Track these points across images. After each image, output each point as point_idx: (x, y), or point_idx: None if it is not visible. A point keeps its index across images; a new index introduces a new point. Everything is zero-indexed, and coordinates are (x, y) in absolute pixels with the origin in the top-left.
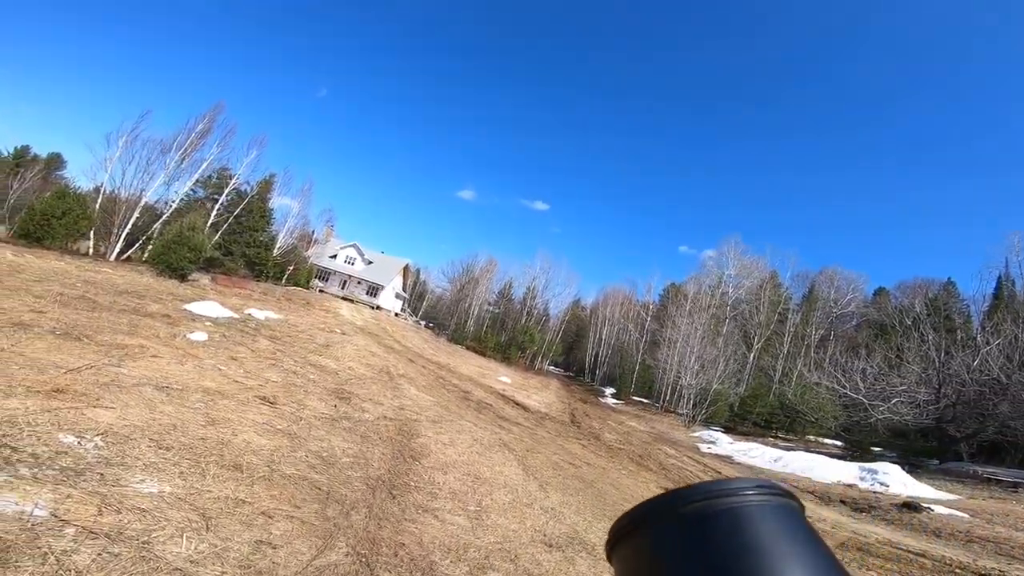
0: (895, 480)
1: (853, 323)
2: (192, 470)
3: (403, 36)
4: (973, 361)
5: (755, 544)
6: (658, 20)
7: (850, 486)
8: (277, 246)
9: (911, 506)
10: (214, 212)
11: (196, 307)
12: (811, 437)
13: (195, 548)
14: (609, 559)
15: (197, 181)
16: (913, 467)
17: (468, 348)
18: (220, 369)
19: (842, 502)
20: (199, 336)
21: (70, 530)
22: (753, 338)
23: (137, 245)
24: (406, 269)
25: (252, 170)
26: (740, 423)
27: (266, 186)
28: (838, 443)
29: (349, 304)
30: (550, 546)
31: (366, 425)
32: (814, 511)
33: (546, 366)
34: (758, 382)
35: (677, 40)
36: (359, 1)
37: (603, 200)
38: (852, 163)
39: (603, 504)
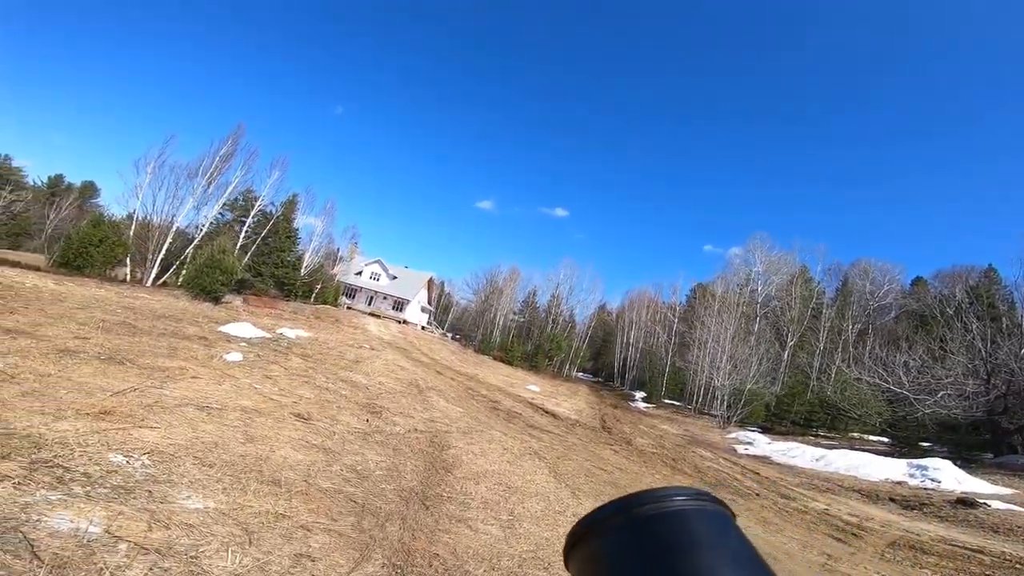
0: (947, 476)
1: (892, 315)
2: (234, 486)
3: (412, 51)
4: (1020, 349)
5: (692, 540)
6: (665, 21)
7: (899, 483)
8: (304, 265)
9: (966, 502)
10: (242, 234)
11: (230, 328)
12: (855, 434)
13: (239, 562)
14: (566, 565)
15: (224, 204)
16: (966, 462)
17: (495, 358)
18: (256, 388)
19: (891, 500)
20: (235, 356)
21: (123, 546)
22: (786, 335)
23: (172, 270)
24: (430, 282)
25: (276, 191)
26: (778, 423)
27: (290, 206)
28: (884, 440)
29: (376, 320)
30: None
31: (398, 438)
32: (861, 510)
33: (574, 373)
34: (795, 380)
35: (686, 38)
36: (369, 19)
37: (623, 203)
38: (876, 150)
39: None
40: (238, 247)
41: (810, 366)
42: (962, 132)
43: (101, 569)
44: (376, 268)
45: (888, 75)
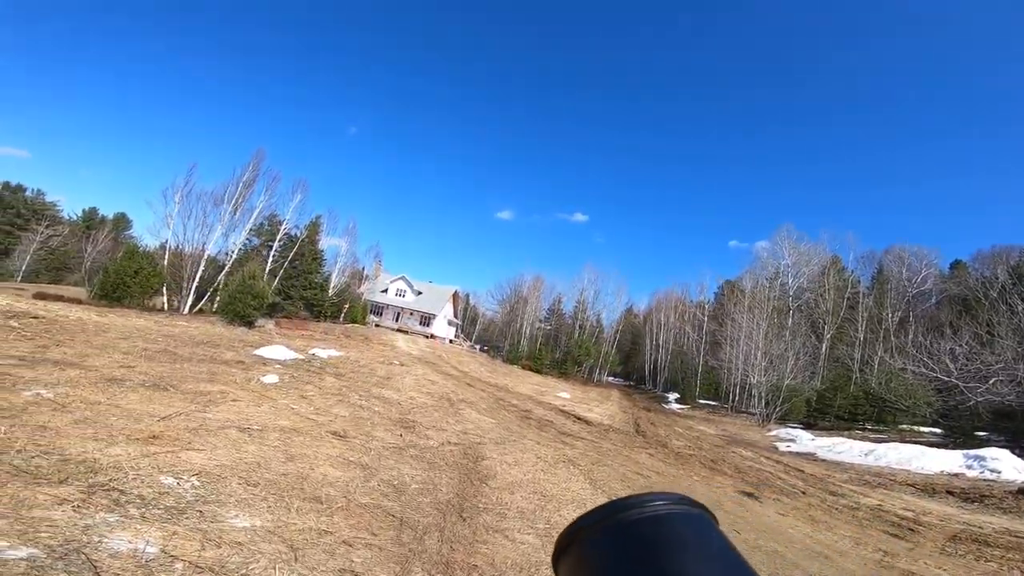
0: (1007, 466)
1: (932, 301)
2: (278, 504)
3: (420, 74)
4: None
5: (676, 543)
6: (674, 14)
7: (955, 475)
8: (331, 286)
9: None
10: (270, 259)
11: (265, 351)
12: (904, 427)
13: None
14: (556, 572)
15: (251, 230)
16: None
17: (524, 367)
18: (293, 408)
19: (949, 493)
20: (271, 378)
21: (179, 565)
22: (822, 328)
23: (206, 297)
24: (455, 296)
25: (299, 214)
26: (820, 418)
27: (314, 229)
28: (936, 431)
29: (404, 336)
30: None
31: (432, 451)
32: (917, 504)
33: (605, 378)
34: (835, 373)
35: (701, 29)
36: (378, 39)
37: (643, 204)
38: (904, 132)
39: None
40: (267, 271)
41: (850, 358)
42: (987, 107)
43: None
44: (401, 284)
45: (914, 50)
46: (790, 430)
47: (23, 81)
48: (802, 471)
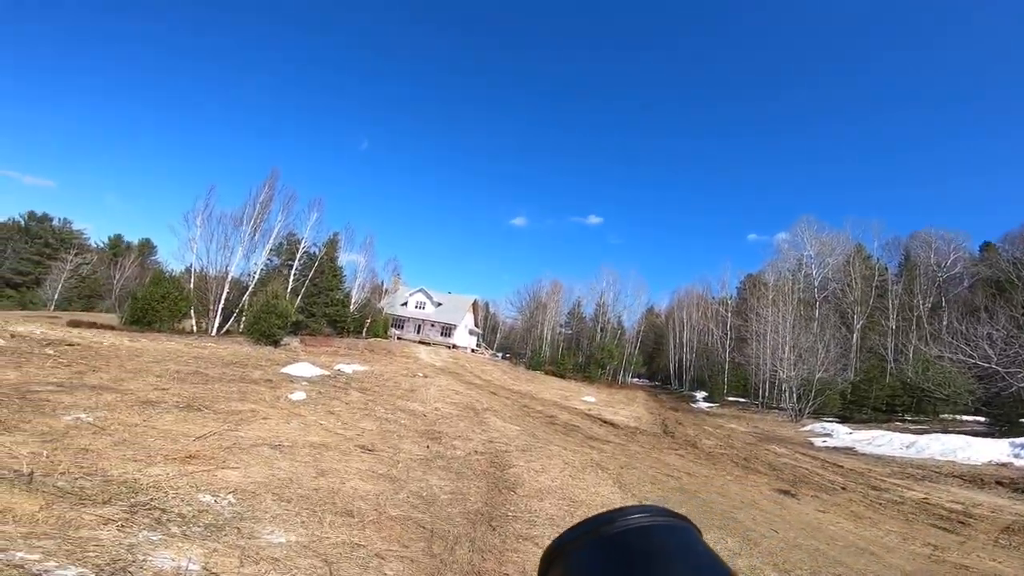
0: None
1: (965, 285)
2: (311, 519)
3: (425, 87)
4: None
5: (659, 553)
6: (682, 16)
7: (1003, 465)
8: (352, 301)
9: None
10: (291, 278)
11: (292, 369)
12: (946, 416)
13: None
14: None
15: (271, 251)
16: None
17: (547, 373)
18: (321, 423)
19: (998, 484)
20: (299, 395)
21: None
22: (852, 318)
23: (233, 318)
24: (475, 305)
25: (316, 232)
26: (856, 411)
27: (332, 245)
28: (980, 419)
29: (426, 347)
30: None
31: (459, 462)
32: (965, 496)
33: (629, 379)
34: (868, 364)
35: (711, 27)
36: (374, 63)
37: (657, 203)
38: (925, 114)
39: (710, 514)
40: (289, 290)
41: (883, 348)
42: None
43: None
44: (420, 297)
45: (934, 32)
46: (825, 424)
47: (48, 110)
48: (841, 466)
